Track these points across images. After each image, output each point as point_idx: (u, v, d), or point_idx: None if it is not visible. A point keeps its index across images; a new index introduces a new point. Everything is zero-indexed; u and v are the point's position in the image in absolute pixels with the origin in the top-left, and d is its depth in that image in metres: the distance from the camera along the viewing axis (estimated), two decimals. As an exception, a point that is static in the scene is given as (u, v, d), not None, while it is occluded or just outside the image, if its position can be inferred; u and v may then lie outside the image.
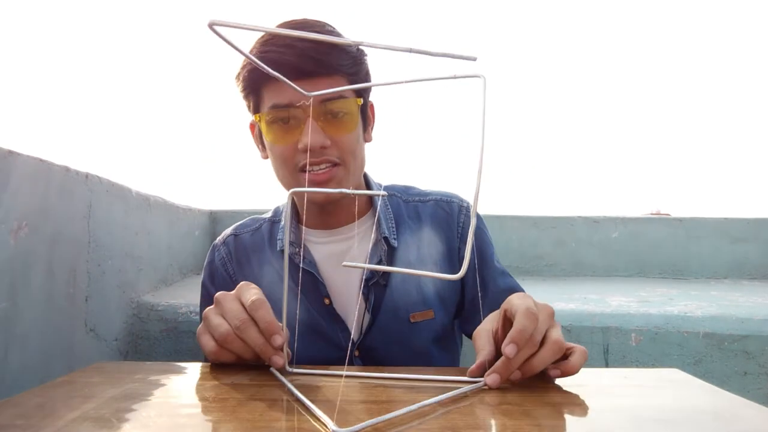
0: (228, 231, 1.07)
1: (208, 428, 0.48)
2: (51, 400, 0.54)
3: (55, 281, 1.00)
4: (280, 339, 0.64)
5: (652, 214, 3.73)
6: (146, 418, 0.49)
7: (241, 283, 0.72)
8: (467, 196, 1.06)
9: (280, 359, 0.65)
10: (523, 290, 0.98)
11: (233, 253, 1.03)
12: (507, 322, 0.67)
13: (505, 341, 0.61)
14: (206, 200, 2.17)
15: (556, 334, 0.65)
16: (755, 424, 0.50)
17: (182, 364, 0.72)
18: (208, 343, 0.68)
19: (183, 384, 0.64)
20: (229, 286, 1.01)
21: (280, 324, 0.65)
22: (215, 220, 2.16)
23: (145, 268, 1.45)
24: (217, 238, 1.07)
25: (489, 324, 0.74)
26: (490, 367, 0.63)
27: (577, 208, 2.39)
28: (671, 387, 0.64)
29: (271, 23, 0.89)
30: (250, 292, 0.69)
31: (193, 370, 0.70)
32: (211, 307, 0.70)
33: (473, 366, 0.66)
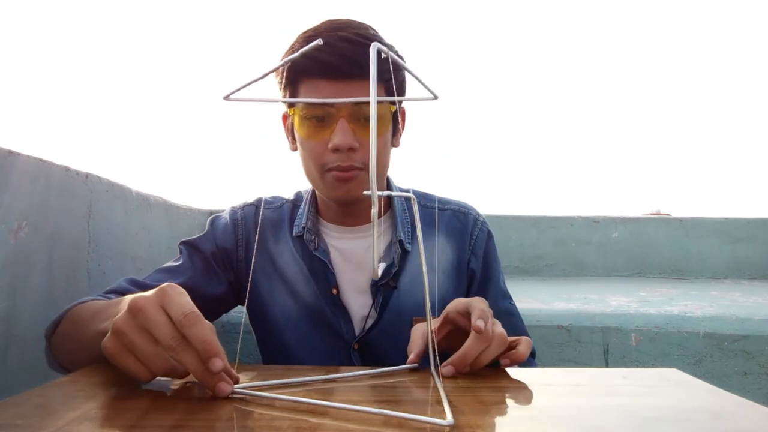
0: (249, 200, 1.07)
1: (211, 427, 0.48)
2: (51, 399, 0.54)
3: (55, 281, 1.00)
4: (219, 362, 0.53)
5: (652, 214, 3.73)
6: (149, 418, 0.49)
7: (164, 285, 0.58)
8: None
9: (227, 386, 0.55)
10: (519, 318, 1.01)
11: (251, 220, 1.03)
12: (446, 323, 0.76)
13: (473, 318, 0.68)
14: (206, 200, 2.17)
15: (499, 328, 0.72)
16: (755, 424, 0.50)
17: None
18: (136, 367, 0.56)
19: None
20: (231, 249, 1.00)
21: (218, 342, 0.55)
22: (215, 220, 2.16)
23: (145, 268, 1.45)
24: (236, 204, 1.07)
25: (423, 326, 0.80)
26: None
27: (577, 207, 2.40)
28: (671, 387, 0.64)
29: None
30: (178, 299, 0.57)
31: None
32: (124, 315, 0.57)
33: (411, 356, 0.73)
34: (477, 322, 0.67)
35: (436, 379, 0.64)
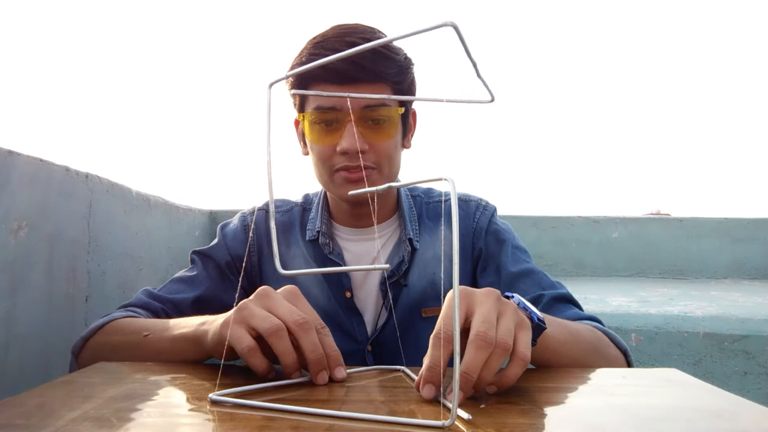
0: (258, 205, 1.07)
1: (208, 428, 0.48)
2: (51, 399, 0.54)
3: (54, 281, 1.00)
4: (343, 371, 0.64)
5: (652, 214, 3.73)
6: (147, 417, 0.50)
7: (292, 287, 0.67)
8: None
9: (326, 375, 0.62)
10: (542, 273, 0.98)
11: (261, 225, 1.04)
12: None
13: (474, 323, 0.55)
14: (206, 200, 2.17)
15: (502, 330, 0.56)
16: (755, 424, 0.50)
17: (182, 364, 0.72)
18: (243, 337, 0.61)
19: (183, 384, 0.64)
20: (243, 255, 1.00)
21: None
22: (215, 220, 2.16)
23: (145, 268, 1.45)
24: (245, 209, 1.08)
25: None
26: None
27: (577, 207, 2.40)
28: (670, 387, 0.64)
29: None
30: (310, 309, 0.65)
31: (193, 370, 0.70)
32: (250, 299, 0.64)
33: (417, 378, 0.57)
34: (479, 327, 0.55)
35: (456, 374, 0.55)
